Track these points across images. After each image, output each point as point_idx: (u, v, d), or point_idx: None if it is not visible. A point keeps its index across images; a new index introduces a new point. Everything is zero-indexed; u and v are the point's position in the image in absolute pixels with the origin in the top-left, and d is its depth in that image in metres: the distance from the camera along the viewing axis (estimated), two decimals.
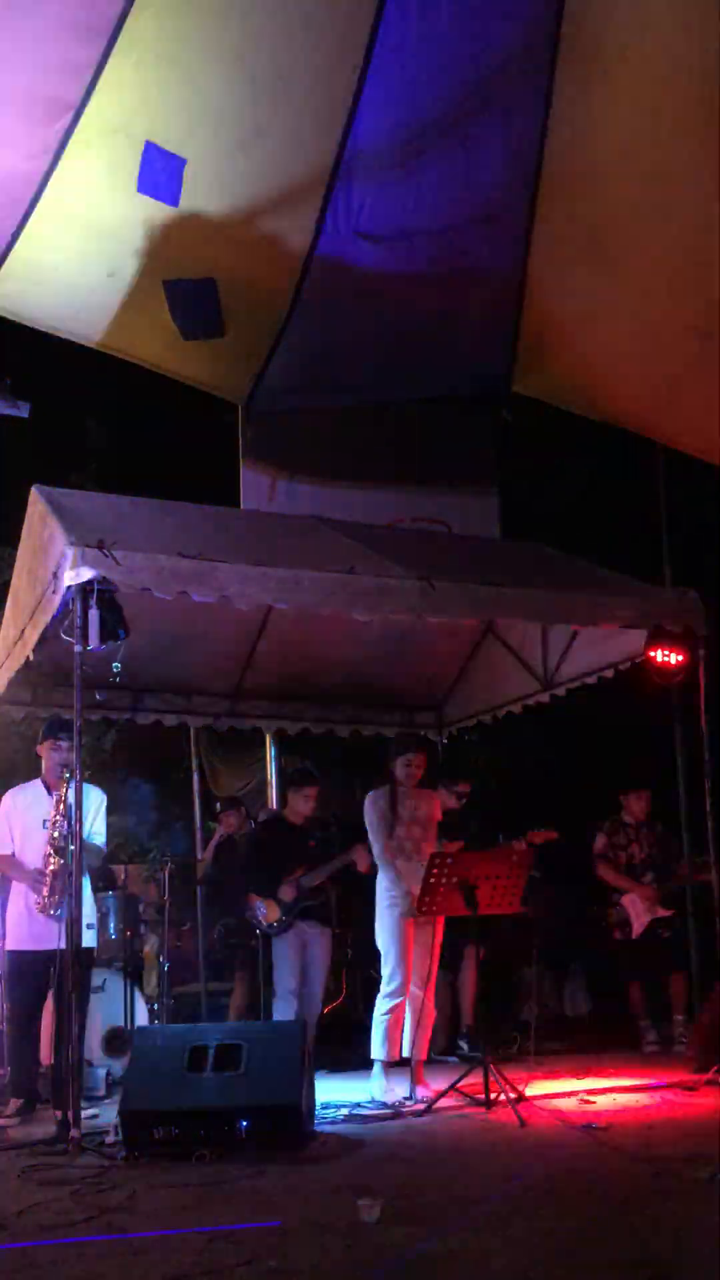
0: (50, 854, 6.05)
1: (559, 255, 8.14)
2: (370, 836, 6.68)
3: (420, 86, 7.41)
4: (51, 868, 6.02)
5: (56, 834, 6.01)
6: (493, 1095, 5.81)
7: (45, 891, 6.04)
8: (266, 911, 7.22)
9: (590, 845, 8.09)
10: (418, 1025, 6.49)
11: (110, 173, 7.27)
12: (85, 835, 5.95)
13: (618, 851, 7.98)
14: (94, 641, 5.58)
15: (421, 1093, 6.27)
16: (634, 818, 8.06)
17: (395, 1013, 6.47)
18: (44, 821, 6.21)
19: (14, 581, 7.02)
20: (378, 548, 6.90)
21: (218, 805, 9.44)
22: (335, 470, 9.48)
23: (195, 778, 10.76)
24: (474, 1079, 5.96)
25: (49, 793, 6.29)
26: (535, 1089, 6.14)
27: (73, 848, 5.66)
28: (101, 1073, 6.74)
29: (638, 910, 7.78)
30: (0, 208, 7.40)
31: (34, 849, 6.25)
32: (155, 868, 9.05)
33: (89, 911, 6.24)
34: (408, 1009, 6.49)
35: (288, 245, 8.06)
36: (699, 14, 6.43)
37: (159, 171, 7.06)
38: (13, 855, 6.32)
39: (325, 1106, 5.92)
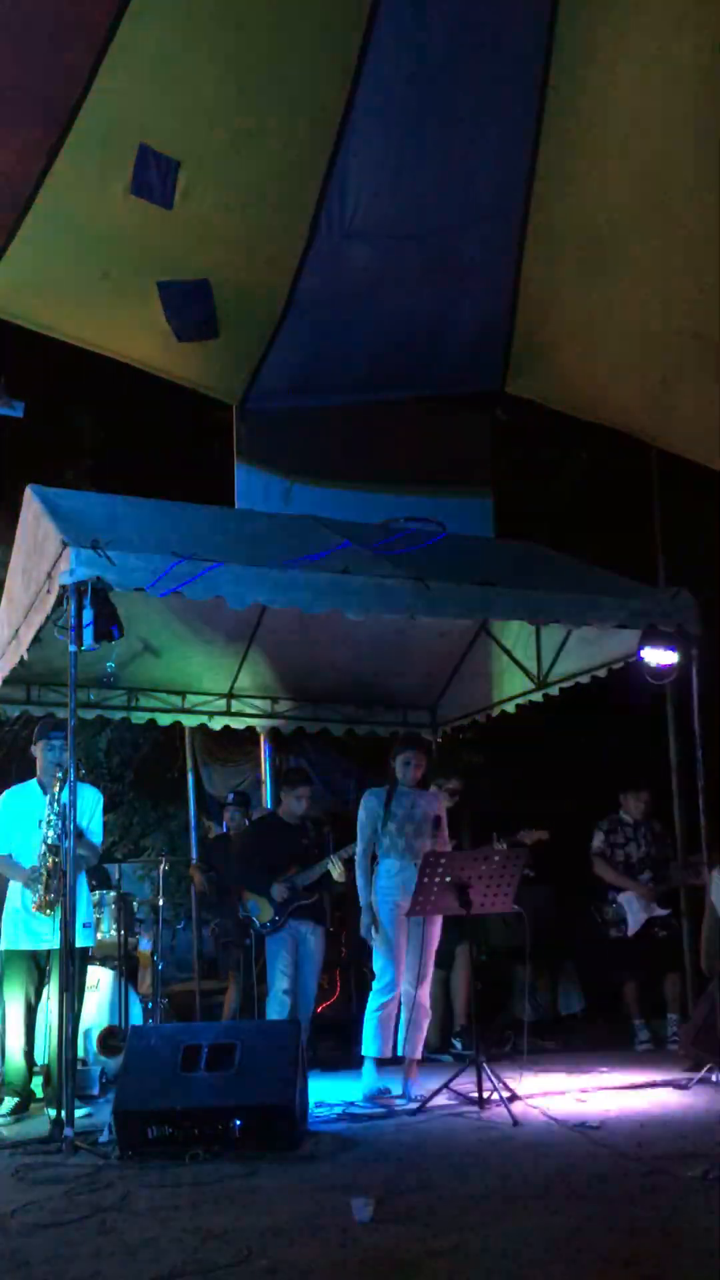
0: (45, 853, 6.05)
1: (553, 256, 8.14)
2: (357, 833, 6.70)
3: (413, 85, 7.41)
4: (48, 865, 6.02)
5: (52, 833, 6.01)
6: (486, 1094, 5.82)
7: (42, 889, 6.03)
8: (260, 910, 7.24)
9: (586, 843, 8.10)
10: (411, 1023, 6.50)
11: (104, 174, 7.26)
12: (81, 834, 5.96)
13: (615, 850, 7.99)
14: (88, 641, 5.59)
15: (414, 1091, 6.28)
16: (633, 817, 8.07)
17: (387, 1009, 6.48)
18: (39, 822, 6.22)
19: (8, 581, 7.03)
20: (372, 548, 6.91)
21: (230, 796, 9.43)
22: (329, 470, 9.49)
23: (190, 777, 10.76)
24: (467, 1078, 5.97)
25: (44, 793, 6.29)
26: (528, 1088, 6.14)
27: (68, 846, 5.67)
28: (96, 1072, 6.75)
29: (634, 909, 7.80)
30: None
31: (30, 850, 6.25)
32: (150, 867, 9.07)
33: (85, 910, 6.25)
34: (401, 1007, 6.50)
35: (281, 246, 8.06)
36: (695, 14, 6.44)
37: (152, 173, 7.06)
38: (9, 855, 6.32)
39: (319, 1105, 5.94)
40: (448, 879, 6.07)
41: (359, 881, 6.64)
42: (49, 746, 6.33)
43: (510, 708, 8.89)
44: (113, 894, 7.84)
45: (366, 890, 6.60)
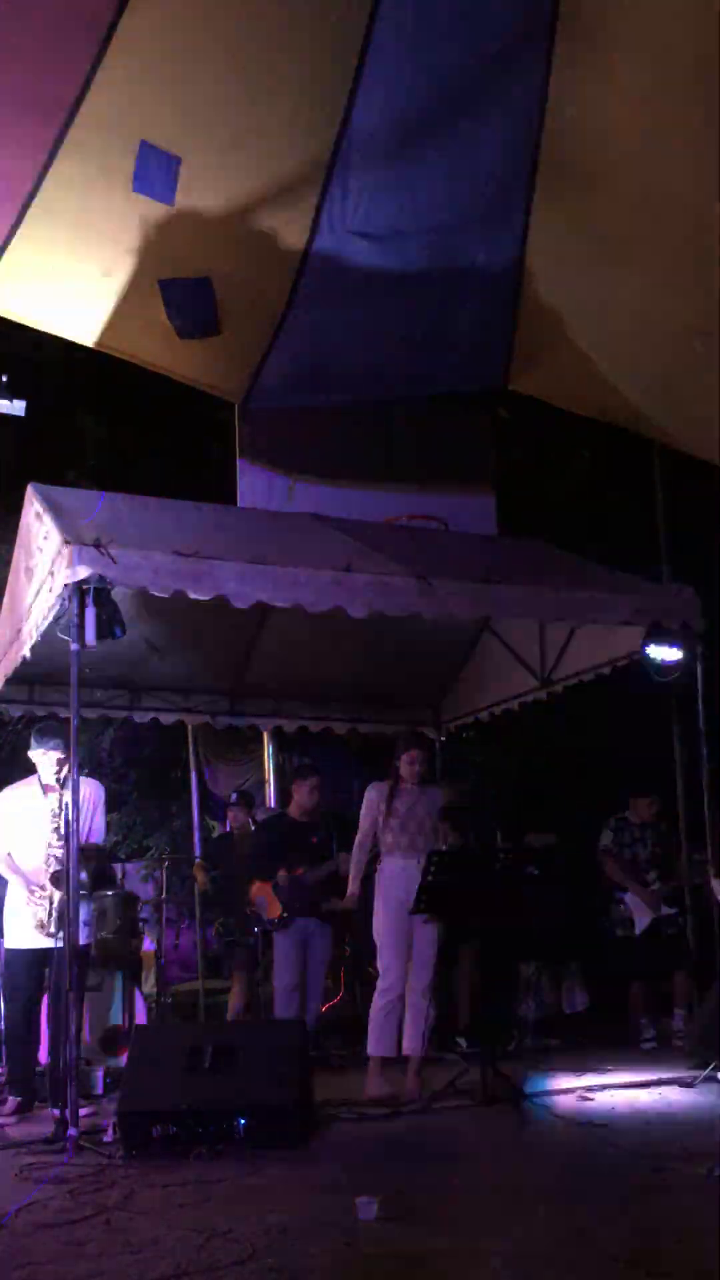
0: (50, 879, 6.01)
1: (556, 253, 8.13)
2: (359, 823, 6.71)
3: (416, 83, 7.40)
4: (49, 893, 5.98)
5: (54, 860, 5.97)
6: (491, 1093, 5.81)
7: (47, 910, 6.01)
8: (268, 906, 7.24)
9: (592, 842, 8.08)
10: (415, 1022, 6.48)
11: (105, 172, 7.25)
12: (84, 834, 5.95)
13: (623, 849, 7.97)
14: (90, 640, 5.59)
15: (419, 1090, 6.27)
16: (640, 819, 8.05)
17: (391, 1008, 6.46)
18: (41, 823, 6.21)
19: (10, 580, 7.02)
20: (375, 546, 6.90)
21: (233, 795, 9.42)
22: (332, 468, 9.48)
23: (193, 776, 10.77)
24: (472, 1076, 5.96)
25: (44, 793, 6.27)
26: (533, 1086, 6.14)
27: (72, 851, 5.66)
28: (99, 1071, 6.75)
29: (641, 908, 7.78)
30: None
31: (31, 849, 6.24)
32: (153, 866, 9.07)
33: (84, 909, 6.23)
34: (406, 1005, 6.48)
35: (283, 244, 8.04)
36: (695, 12, 6.42)
37: (154, 170, 7.04)
38: (9, 856, 6.31)
39: (323, 1104, 5.92)
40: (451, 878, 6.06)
41: (351, 870, 6.65)
42: (44, 755, 6.30)
43: (514, 706, 8.87)
44: (110, 894, 7.78)
45: (357, 879, 6.60)
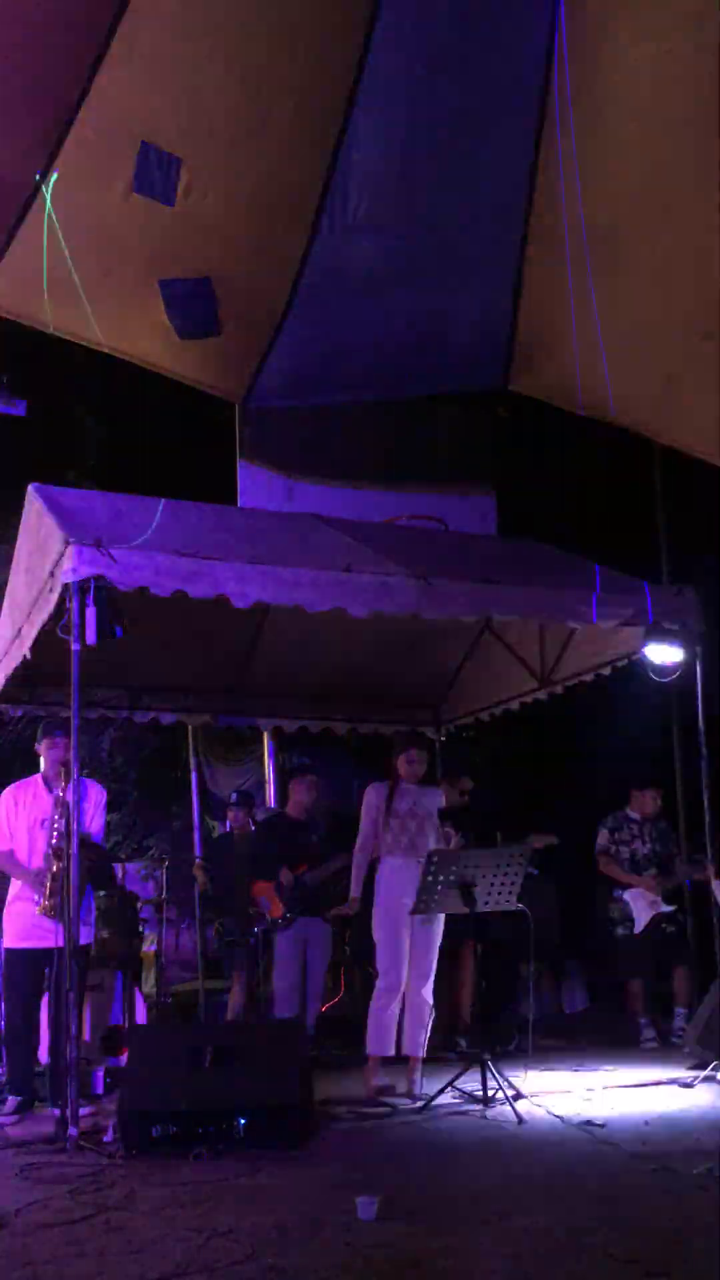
0: (50, 855, 6.04)
1: (556, 254, 8.13)
2: (360, 822, 6.71)
3: (416, 86, 7.41)
4: (53, 869, 6.01)
5: (55, 837, 6.00)
6: (490, 1092, 5.81)
7: (47, 893, 6.03)
8: (271, 906, 7.24)
9: (591, 841, 8.08)
10: (414, 1022, 6.48)
11: (105, 172, 7.27)
12: (83, 833, 5.95)
13: (620, 847, 7.96)
14: (91, 639, 5.59)
15: (419, 1090, 6.27)
16: (641, 813, 8.03)
17: (390, 1007, 6.45)
18: (43, 821, 6.22)
19: (11, 580, 7.03)
20: (375, 546, 6.91)
21: (233, 795, 9.42)
22: (332, 468, 9.49)
23: (193, 775, 10.77)
24: (472, 1076, 5.96)
25: (48, 790, 6.29)
26: (533, 1086, 6.13)
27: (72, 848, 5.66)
28: (99, 1071, 6.75)
29: (640, 906, 7.77)
30: None
31: (33, 847, 6.25)
32: (153, 865, 9.06)
33: (85, 906, 6.24)
34: (406, 1005, 6.48)
35: (284, 244, 8.06)
36: (696, 15, 6.43)
37: (154, 170, 7.05)
38: (11, 852, 6.32)
39: (323, 1104, 5.93)
40: (452, 877, 6.06)
41: (353, 874, 6.63)
42: (53, 745, 6.33)
43: (514, 706, 8.87)
44: (103, 894, 7.79)
45: (358, 884, 6.59)
